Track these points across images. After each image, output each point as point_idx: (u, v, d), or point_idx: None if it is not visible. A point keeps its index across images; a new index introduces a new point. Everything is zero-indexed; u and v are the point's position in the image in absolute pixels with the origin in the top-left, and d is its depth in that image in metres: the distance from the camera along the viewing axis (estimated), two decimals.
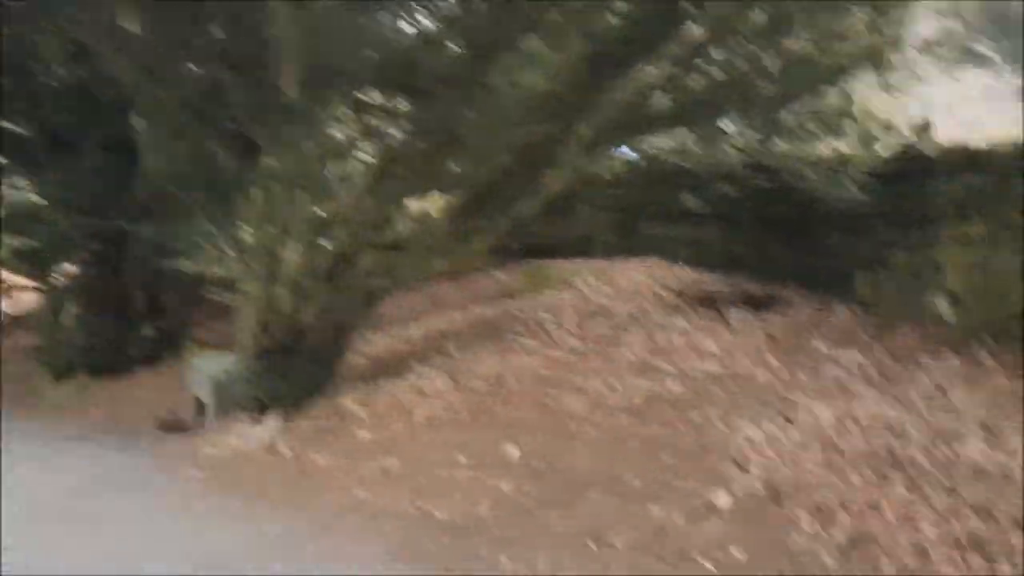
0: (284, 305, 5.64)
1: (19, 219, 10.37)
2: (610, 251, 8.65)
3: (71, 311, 9.37)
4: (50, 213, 9.38)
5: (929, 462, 3.48)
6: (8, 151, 9.36)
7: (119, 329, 9.12)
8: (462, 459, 4.40)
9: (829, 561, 3.03)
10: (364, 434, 5.15)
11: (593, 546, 3.32)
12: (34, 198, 10.00)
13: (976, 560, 2.88)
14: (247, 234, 5.70)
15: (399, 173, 5.68)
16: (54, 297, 9.82)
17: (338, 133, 6.03)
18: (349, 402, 5.66)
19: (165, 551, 3.80)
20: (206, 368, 6.75)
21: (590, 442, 4.32)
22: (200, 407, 6.73)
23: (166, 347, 9.20)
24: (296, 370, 5.85)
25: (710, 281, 7.02)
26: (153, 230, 8.36)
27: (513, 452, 4.34)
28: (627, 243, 8.75)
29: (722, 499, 3.46)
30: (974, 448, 3.52)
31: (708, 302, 6.42)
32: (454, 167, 5.46)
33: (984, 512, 3.08)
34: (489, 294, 8.80)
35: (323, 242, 5.70)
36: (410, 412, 5.26)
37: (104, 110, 8.03)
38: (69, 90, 8.32)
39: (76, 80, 8.17)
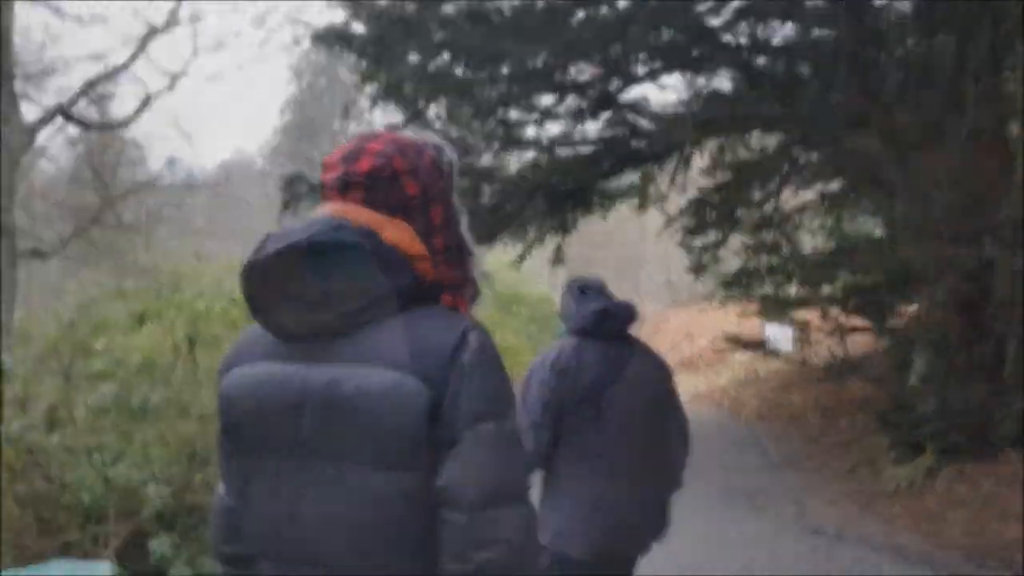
0: None
1: (858, 252, 8.99)
2: None
3: (920, 368, 7.23)
4: (895, 240, 7.55)
5: None
6: (853, 172, 8.01)
7: (981, 396, 6.56)
8: None
9: None
10: None
11: None
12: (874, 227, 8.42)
13: None
14: None
15: None
16: (897, 347, 7.87)
17: None
18: None
19: None
20: None
21: None
22: None
23: None
24: None
25: None
26: None
27: None
28: None
29: None
30: None
31: None
32: None
33: None
34: None
35: None
36: None
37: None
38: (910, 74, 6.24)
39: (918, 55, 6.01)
